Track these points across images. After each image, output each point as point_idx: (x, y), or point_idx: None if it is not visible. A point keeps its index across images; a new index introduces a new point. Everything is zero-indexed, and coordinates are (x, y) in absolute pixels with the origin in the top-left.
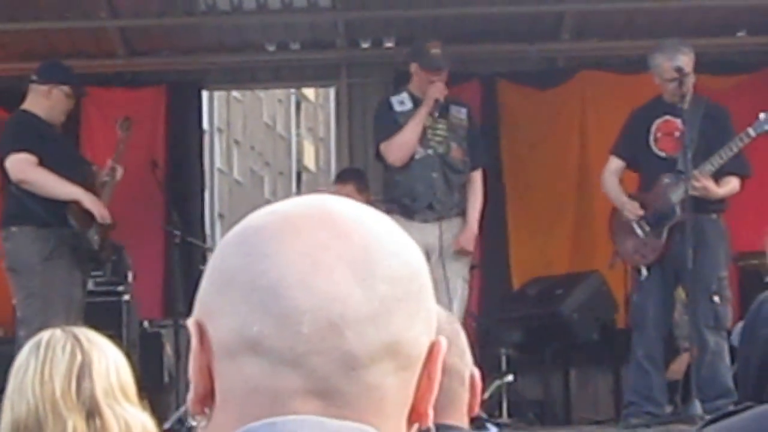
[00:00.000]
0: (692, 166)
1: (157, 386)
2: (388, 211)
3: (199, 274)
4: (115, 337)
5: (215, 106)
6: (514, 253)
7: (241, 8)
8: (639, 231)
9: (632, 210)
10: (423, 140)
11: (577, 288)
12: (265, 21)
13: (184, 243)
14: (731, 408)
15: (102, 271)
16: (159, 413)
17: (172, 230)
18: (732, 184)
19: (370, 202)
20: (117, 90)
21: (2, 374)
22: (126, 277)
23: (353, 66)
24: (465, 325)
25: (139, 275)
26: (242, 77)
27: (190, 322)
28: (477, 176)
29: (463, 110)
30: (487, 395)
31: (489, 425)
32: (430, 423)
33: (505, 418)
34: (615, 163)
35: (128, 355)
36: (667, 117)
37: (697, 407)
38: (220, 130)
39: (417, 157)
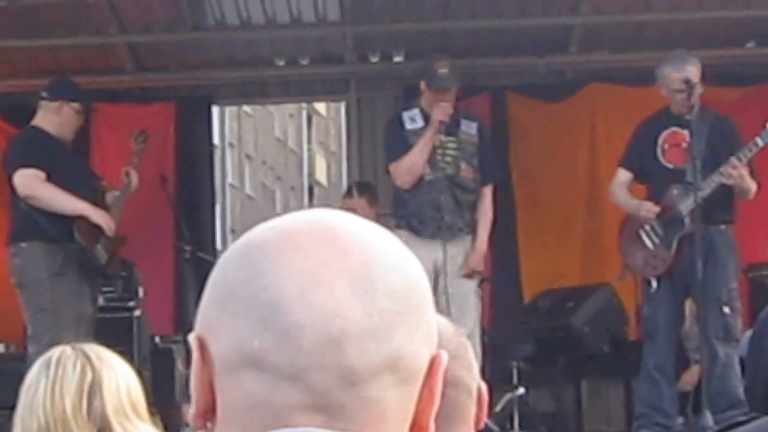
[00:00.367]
0: (701, 177)
1: (168, 402)
2: (397, 226)
3: None
4: (126, 353)
5: (226, 121)
6: (524, 266)
7: (250, 23)
8: (648, 242)
9: (649, 209)
10: (432, 161)
11: (587, 300)
12: (274, 35)
13: (195, 258)
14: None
15: (113, 287)
16: (170, 429)
17: (182, 245)
18: (752, 183)
19: (378, 216)
20: (126, 106)
21: (13, 390)
22: (137, 292)
23: (362, 80)
24: (482, 340)
25: (150, 291)
26: (252, 92)
27: (191, 337)
28: (488, 192)
29: (474, 125)
30: (498, 408)
31: None
32: None
33: (516, 431)
34: (623, 175)
35: (139, 372)
36: (674, 128)
37: (708, 419)
38: (231, 145)
39: (426, 178)
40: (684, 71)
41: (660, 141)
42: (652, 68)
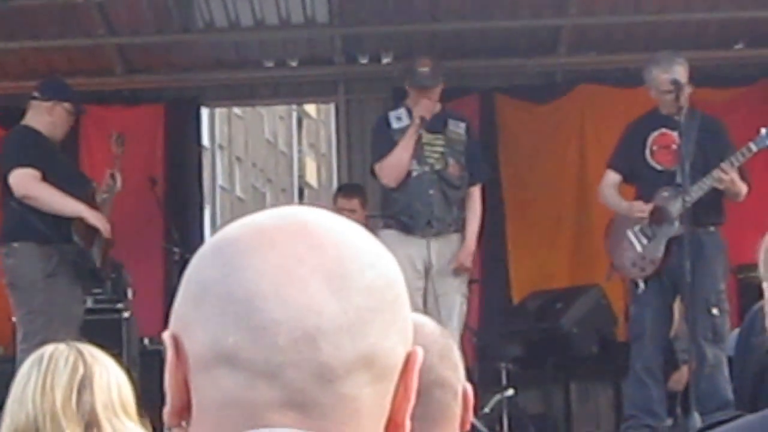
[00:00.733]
0: (690, 179)
1: (157, 403)
2: (386, 226)
3: None
4: (116, 354)
5: (216, 123)
6: (513, 268)
7: (239, 25)
8: (637, 244)
9: (640, 208)
10: (420, 156)
11: (576, 302)
12: (262, 37)
13: (184, 260)
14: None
15: (102, 289)
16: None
17: (171, 247)
18: (743, 186)
19: (367, 218)
20: (115, 107)
21: (3, 392)
22: (126, 294)
23: (351, 82)
24: (464, 340)
25: (139, 293)
26: (240, 94)
27: (166, 335)
28: (476, 192)
29: (462, 125)
30: (487, 409)
31: None
32: None
33: None
34: (612, 177)
35: (129, 373)
36: (663, 130)
37: (697, 420)
38: (221, 147)
39: (414, 174)
40: (672, 72)
41: (649, 142)
42: (640, 69)
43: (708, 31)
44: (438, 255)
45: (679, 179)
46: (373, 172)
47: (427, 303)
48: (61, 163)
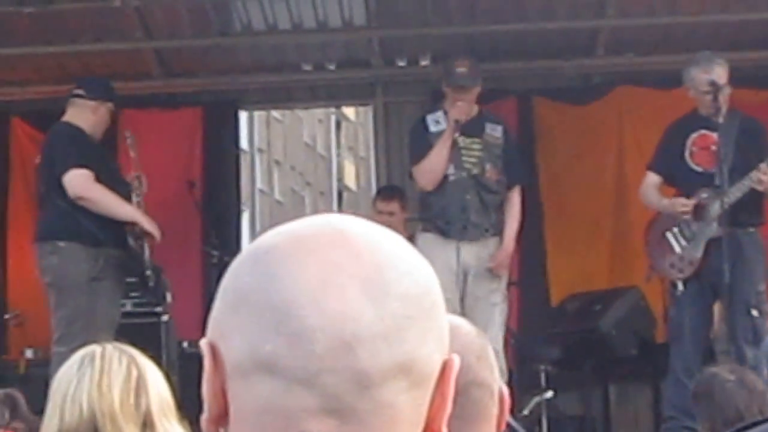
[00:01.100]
0: (729, 181)
1: (195, 406)
2: (424, 229)
3: None
4: (155, 358)
5: (255, 127)
6: (552, 270)
7: (276, 28)
8: (676, 245)
9: (685, 203)
10: (457, 161)
11: (615, 303)
12: (300, 40)
13: (222, 263)
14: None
15: (141, 292)
16: None
17: (209, 250)
18: None
19: (406, 220)
20: (153, 111)
21: (43, 396)
22: (165, 297)
23: (389, 84)
24: (505, 342)
25: (178, 296)
26: (278, 97)
27: (203, 343)
28: (515, 195)
29: (499, 128)
30: (527, 411)
31: None
32: None
33: None
34: (652, 178)
35: (168, 376)
36: (703, 131)
37: None
38: (260, 151)
39: (451, 178)
40: (711, 73)
41: (688, 144)
42: (679, 71)
43: (746, 32)
44: (476, 259)
45: (717, 181)
46: (411, 175)
47: (465, 307)
48: (108, 165)
